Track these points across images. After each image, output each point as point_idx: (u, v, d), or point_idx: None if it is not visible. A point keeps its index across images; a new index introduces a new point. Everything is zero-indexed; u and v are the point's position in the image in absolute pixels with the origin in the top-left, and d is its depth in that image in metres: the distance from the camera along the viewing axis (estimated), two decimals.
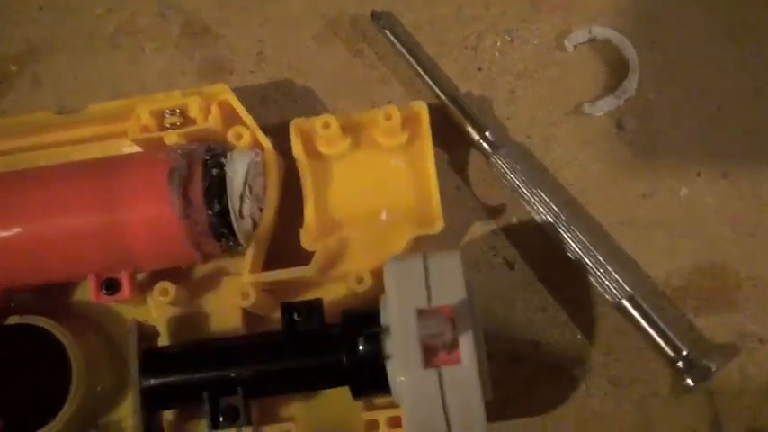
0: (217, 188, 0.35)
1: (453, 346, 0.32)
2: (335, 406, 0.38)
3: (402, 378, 0.32)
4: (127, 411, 0.38)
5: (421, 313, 0.31)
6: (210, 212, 0.35)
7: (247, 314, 0.38)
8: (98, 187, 0.36)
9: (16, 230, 0.35)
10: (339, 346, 0.34)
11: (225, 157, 0.36)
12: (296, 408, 0.38)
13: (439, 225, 0.37)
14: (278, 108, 0.43)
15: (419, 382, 0.31)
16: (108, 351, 0.39)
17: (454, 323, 0.31)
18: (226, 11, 0.44)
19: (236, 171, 0.36)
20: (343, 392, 0.36)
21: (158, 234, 0.35)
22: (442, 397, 0.31)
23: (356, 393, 0.35)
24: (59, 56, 0.45)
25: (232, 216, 0.36)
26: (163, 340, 0.38)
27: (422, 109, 0.38)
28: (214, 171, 0.36)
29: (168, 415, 0.37)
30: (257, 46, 0.44)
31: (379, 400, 0.38)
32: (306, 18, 0.44)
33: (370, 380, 0.34)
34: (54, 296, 0.39)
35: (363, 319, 0.34)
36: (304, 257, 0.39)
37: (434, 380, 0.31)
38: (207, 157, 0.36)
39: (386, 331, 0.33)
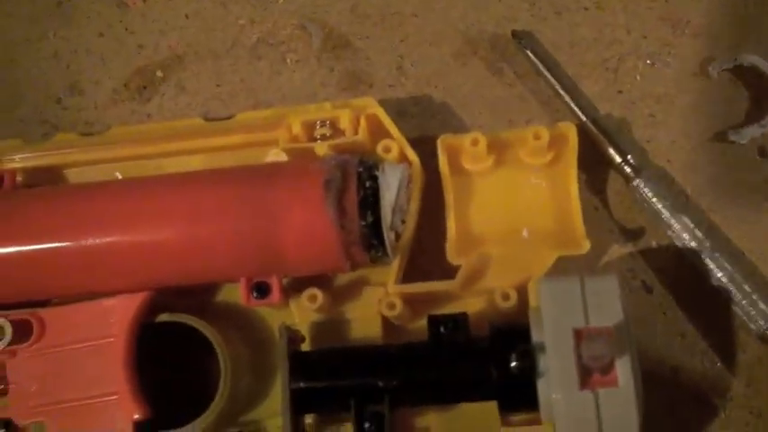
0: (370, 200, 0.36)
1: (609, 368, 0.32)
2: (470, 420, 0.38)
3: (558, 396, 0.32)
4: (266, 413, 0.39)
5: (584, 334, 0.31)
6: (363, 223, 0.36)
7: (386, 323, 0.39)
8: (254, 193, 0.37)
9: (174, 233, 0.37)
10: (488, 361, 0.34)
11: (377, 170, 0.37)
12: (431, 419, 0.38)
13: (585, 246, 0.37)
14: (415, 122, 0.44)
15: (575, 401, 0.32)
16: (248, 352, 0.40)
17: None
18: (366, 26, 0.45)
19: (389, 184, 0.37)
20: (478, 407, 0.37)
21: (312, 242, 0.36)
22: (598, 419, 0.32)
23: (503, 409, 0.35)
24: (203, 63, 0.46)
25: (384, 228, 0.36)
26: (305, 345, 0.39)
27: (570, 131, 0.38)
28: (368, 183, 0.36)
29: (307, 418, 0.38)
30: (397, 61, 0.45)
31: (514, 417, 0.38)
32: (445, 35, 0.45)
33: (519, 396, 0.34)
34: (196, 295, 0.41)
35: (513, 335, 0.35)
36: (435, 270, 0.39)
37: (591, 401, 0.32)
38: (360, 169, 0.37)
39: (539, 349, 0.33)
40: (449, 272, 0.39)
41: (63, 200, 0.39)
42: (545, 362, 0.33)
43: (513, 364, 0.34)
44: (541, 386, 0.33)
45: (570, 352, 0.32)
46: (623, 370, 0.31)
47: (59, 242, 0.37)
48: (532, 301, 0.37)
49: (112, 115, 0.46)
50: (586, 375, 0.32)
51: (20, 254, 0.38)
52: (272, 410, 0.39)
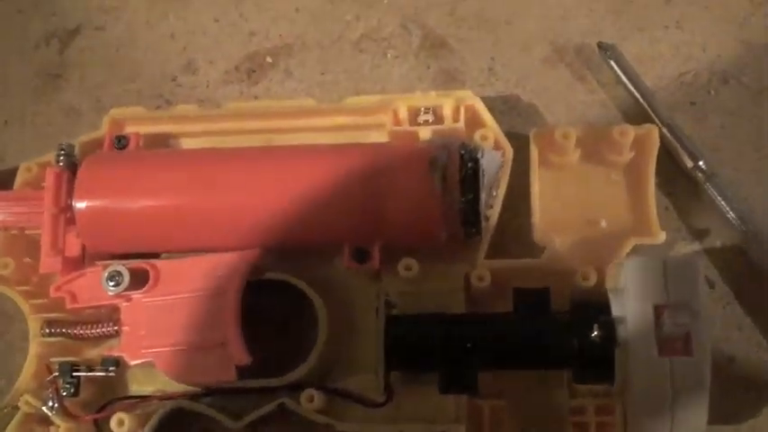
0: (471, 179, 0.40)
1: (686, 341, 0.35)
2: (540, 388, 0.41)
3: (636, 363, 0.35)
4: (357, 367, 0.42)
5: (666, 308, 0.35)
6: (463, 200, 0.40)
7: (468, 298, 0.43)
8: (365, 165, 0.41)
9: (289, 197, 0.41)
10: (570, 330, 0.38)
11: (477, 154, 0.41)
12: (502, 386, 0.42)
13: (661, 236, 0.41)
14: (503, 119, 0.47)
15: (653, 366, 0.35)
16: (337, 312, 0.43)
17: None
18: (463, 29, 0.50)
19: (488, 167, 0.41)
20: (547, 376, 0.40)
21: (414, 213, 0.40)
22: (672, 384, 0.35)
23: (579, 377, 0.39)
24: (310, 53, 0.50)
25: (481, 206, 0.40)
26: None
27: (652, 132, 0.42)
28: (470, 164, 0.40)
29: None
30: (488, 62, 0.49)
31: (581, 388, 0.41)
32: (535, 42, 0.49)
33: (597, 364, 0.37)
34: (291, 258, 0.44)
35: (594, 308, 0.38)
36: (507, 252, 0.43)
37: (667, 367, 0.35)
38: (462, 152, 0.41)
39: (620, 321, 0.37)
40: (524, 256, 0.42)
41: (186, 162, 0.43)
42: (624, 333, 0.36)
43: (595, 333, 0.37)
44: (619, 356, 0.37)
45: (651, 324, 0.35)
46: (698, 342, 0.35)
47: (180, 200, 0.41)
48: (610, 282, 0.40)
49: (222, 94, 0.50)
50: (664, 345, 0.35)
51: (143, 208, 0.42)
52: (359, 367, 0.42)
